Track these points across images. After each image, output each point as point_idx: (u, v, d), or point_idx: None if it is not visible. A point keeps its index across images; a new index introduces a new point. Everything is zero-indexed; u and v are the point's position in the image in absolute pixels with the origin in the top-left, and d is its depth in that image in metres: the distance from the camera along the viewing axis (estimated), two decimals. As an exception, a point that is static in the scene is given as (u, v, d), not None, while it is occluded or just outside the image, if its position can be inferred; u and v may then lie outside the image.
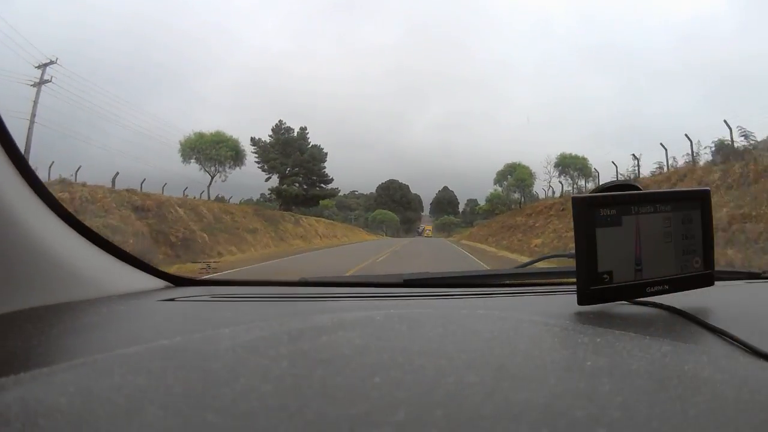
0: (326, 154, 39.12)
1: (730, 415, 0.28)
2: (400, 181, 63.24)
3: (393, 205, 57.43)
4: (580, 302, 0.65)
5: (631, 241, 0.65)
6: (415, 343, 0.39)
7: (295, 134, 39.12)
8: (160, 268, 0.99)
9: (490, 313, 0.54)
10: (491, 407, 0.27)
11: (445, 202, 62.79)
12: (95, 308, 0.74)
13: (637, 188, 0.69)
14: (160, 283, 0.97)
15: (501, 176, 27.93)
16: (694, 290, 0.70)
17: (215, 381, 0.31)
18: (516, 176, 26.77)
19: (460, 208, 62.96)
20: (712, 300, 0.72)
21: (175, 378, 0.31)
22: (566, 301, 0.70)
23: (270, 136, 38.64)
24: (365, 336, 0.41)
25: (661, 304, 0.67)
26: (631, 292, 0.67)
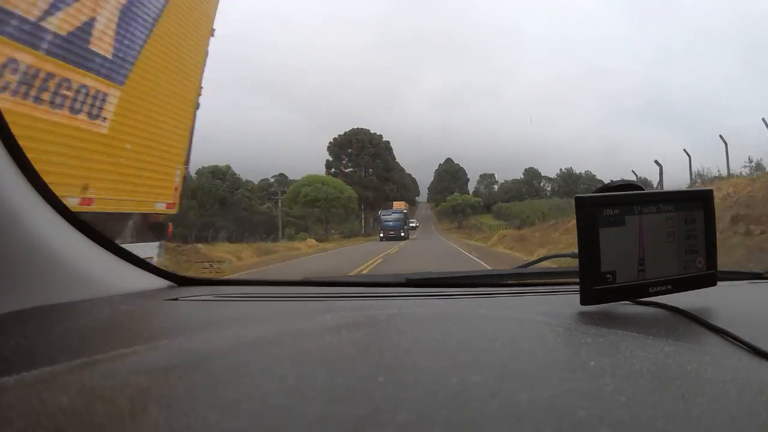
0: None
1: (733, 416, 0.28)
2: (372, 131, 38.40)
3: (361, 175, 33.39)
4: (583, 302, 0.65)
5: (634, 241, 0.65)
6: (418, 343, 0.39)
7: None
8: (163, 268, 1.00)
9: (493, 313, 0.54)
10: (495, 407, 0.27)
11: (449, 177, 44.93)
12: (98, 308, 0.74)
13: (641, 188, 0.69)
14: (163, 282, 0.98)
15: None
16: (697, 290, 0.70)
17: (218, 381, 0.31)
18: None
19: (471, 187, 45.15)
20: (714, 300, 0.72)
21: (177, 378, 0.31)
22: (569, 301, 0.70)
23: None
24: (368, 336, 0.42)
25: (664, 304, 0.67)
26: (634, 292, 0.67)
